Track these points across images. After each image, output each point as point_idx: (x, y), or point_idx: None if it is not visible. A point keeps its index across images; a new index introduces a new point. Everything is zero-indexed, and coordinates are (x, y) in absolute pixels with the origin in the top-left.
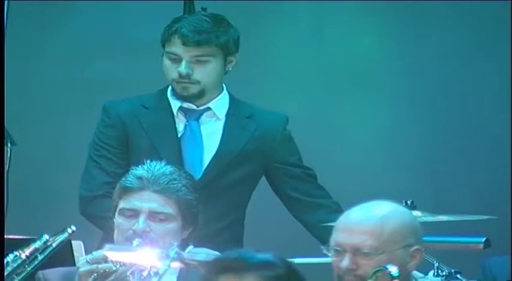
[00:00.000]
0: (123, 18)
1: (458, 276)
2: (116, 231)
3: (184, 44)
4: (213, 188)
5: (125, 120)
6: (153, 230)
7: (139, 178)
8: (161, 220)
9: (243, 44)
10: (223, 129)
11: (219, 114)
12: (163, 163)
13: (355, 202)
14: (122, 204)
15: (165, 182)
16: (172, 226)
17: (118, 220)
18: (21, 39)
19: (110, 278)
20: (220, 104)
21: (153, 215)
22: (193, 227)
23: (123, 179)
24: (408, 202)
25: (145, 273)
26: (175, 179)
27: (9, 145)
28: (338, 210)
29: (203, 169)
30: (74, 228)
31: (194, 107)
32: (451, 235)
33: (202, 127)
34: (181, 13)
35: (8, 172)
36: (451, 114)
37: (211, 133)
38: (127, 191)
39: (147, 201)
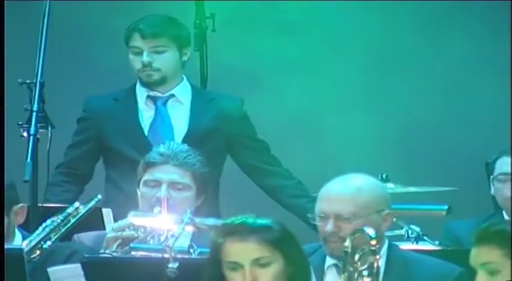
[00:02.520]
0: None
1: (425, 238)
2: (140, 200)
3: (142, 37)
4: None
5: (97, 112)
6: (173, 198)
7: (162, 154)
8: (179, 189)
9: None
10: (190, 112)
11: (183, 100)
12: (180, 142)
13: (340, 173)
14: (146, 176)
15: (183, 158)
16: (189, 194)
17: (142, 189)
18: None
19: (133, 243)
20: (182, 91)
21: (173, 185)
22: (205, 196)
23: (147, 155)
24: (383, 176)
25: (163, 237)
26: (191, 155)
27: (49, 128)
28: (290, 177)
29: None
30: (99, 196)
31: (160, 94)
32: (420, 203)
33: (170, 112)
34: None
35: (48, 151)
36: (424, 95)
37: (179, 117)
38: (150, 165)
39: (168, 173)
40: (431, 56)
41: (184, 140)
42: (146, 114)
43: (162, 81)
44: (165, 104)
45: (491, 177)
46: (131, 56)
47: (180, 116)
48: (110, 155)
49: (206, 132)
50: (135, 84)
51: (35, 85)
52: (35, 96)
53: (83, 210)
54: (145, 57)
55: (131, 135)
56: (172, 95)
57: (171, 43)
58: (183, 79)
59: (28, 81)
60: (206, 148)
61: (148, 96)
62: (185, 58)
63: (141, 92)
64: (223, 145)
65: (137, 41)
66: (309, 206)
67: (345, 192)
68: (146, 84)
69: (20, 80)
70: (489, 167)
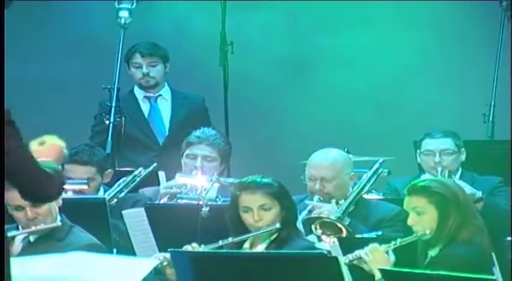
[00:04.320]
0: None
1: (373, 191)
2: (183, 166)
3: (142, 56)
4: (175, 139)
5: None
6: (205, 166)
7: (198, 137)
8: (209, 161)
9: None
10: (171, 105)
11: (167, 98)
12: (210, 128)
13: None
14: (187, 151)
15: (212, 139)
16: (215, 164)
17: (185, 160)
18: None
19: (178, 195)
20: (166, 92)
21: (205, 157)
22: (225, 165)
23: (188, 137)
24: (346, 149)
25: (198, 191)
26: (218, 138)
27: (123, 118)
28: None
29: (167, 130)
30: (155, 164)
31: (152, 94)
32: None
33: (159, 106)
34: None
35: (123, 134)
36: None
37: (165, 109)
38: (190, 144)
39: (202, 150)
40: None
41: (170, 123)
42: (144, 107)
43: (155, 85)
44: (156, 100)
45: (418, 151)
46: (133, 70)
47: (166, 108)
48: (122, 137)
49: (184, 119)
50: (133, 89)
51: (113, 89)
52: (113, 96)
53: (143, 173)
54: (144, 69)
55: (137, 121)
56: (160, 95)
57: (160, 59)
58: (165, 84)
59: (109, 86)
60: (185, 129)
61: (144, 96)
62: (167, 70)
63: (139, 94)
64: (190, 127)
65: (138, 59)
66: None
67: (327, 161)
68: (143, 88)
69: (103, 86)
70: (416, 144)
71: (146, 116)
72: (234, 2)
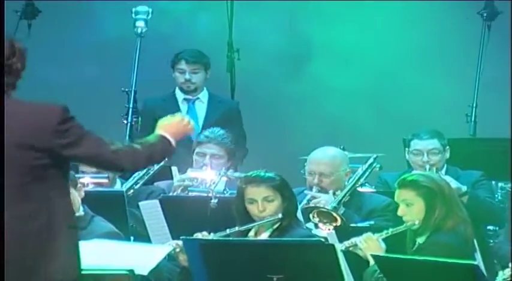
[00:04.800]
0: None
1: (366, 184)
2: (194, 162)
3: (187, 63)
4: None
5: (152, 107)
6: (213, 162)
7: (207, 136)
8: (217, 158)
9: None
10: (207, 108)
11: (204, 101)
12: (219, 128)
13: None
14: (197, 149)
15: (220, 139)
16: (223, 161)
17: (195, 157)
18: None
19: (190, 187)
20: (204, 95)
21: (213, 155)
22: (231, 162)
23: (197, 136)
24: (342, 147)
25: (208, 184)
26: (225, 138)
27: (139, 118)
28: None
29: (200, 129)
30: (166, 159)
31: (191, 97)
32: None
33: (196, 107)
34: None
35: (139, 131)
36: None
37: (201, 110)
38: (200, 142)
39: (210, 149)
40: None
41: (203, 125)
42: (182, 108)
43: (194, 90)
44: (193, 103)
45: (407, 149)
46: (176, 74)
47: (201, 110)
48: None
49: (217, 120)
50: (174, 91)
51: (131, 92)
52: (130, 99)
53: (157, 167)
54: (187, 76)
55: None
56: (198, 98)
57: (202, 67)
58: (204, 88)
59: (127, 89)
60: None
61: (184, 99)
62: (208, 76)
63: (179, 96)
64: (223, 127)
65: (183, 65)
66: None
67: (325, 158)
68: (184, 92)
69: (122, 89)
70: (405, 142)
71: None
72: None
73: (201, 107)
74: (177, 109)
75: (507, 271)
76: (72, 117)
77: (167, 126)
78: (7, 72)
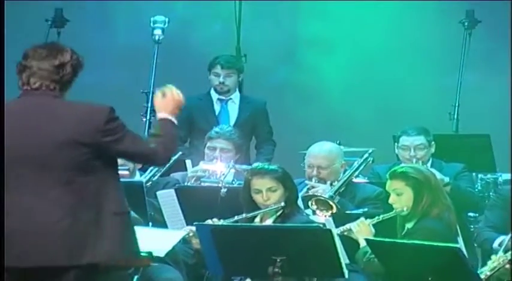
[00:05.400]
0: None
1: (360, 175)
2: (205, 156)
3: (222, 67)
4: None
5: (190, 106)
6: (222, 156)
7: (217, 132)
8: (225, 152)
9: None
10: (238, 108)
11: (236, 101)
12: (227, 125)
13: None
14: (208, 144)
15: (229, 134)
16: (231, 154)
17: (206, 151)
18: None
19: (202, 178)
20: (236, 96)
21: (222, 149)
22: (239, 155)
23: (209, 133)
24: (338, 141)
25: (218, 175)
26: (233, 133)
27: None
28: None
29: (232, 126)
30: (180, 152)
31: (224, 98)
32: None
33: (228, 107)
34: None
35: None
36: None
37: (233, 110)
38: (210, 138)
39: (220, 143)
40: None
41: (235, 123)
42: (216, 108)
43: (227, 92)
44: (226, 103)
45: (396, 144)
46: (212, 77)
47: (233, 110)
48: (195, 128)
49: (246, 119)
50: (209, 91)
51: (149, 93)
52: (149, 99)
53: (171, 160)
54: (221, 79)
55: (209, 118)
56: (231, 99)
57: (235, 71)
58: (236, 90)
59: (146, 91)
60: (247, 126)
61: (218, 99)
62: (240, 79)
63: (214, 96)
64: (254, 126)
65: (218, 69)
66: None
67: (322, 152)
68: (218, 93)
69: (141, 90)
70: (395, 138)
71: (217, 114)
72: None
73: (233, 107)
74: (211, 108)
75: (497, 258)
76: (117, 117)
77: (166, 106)
78: (62, 77)
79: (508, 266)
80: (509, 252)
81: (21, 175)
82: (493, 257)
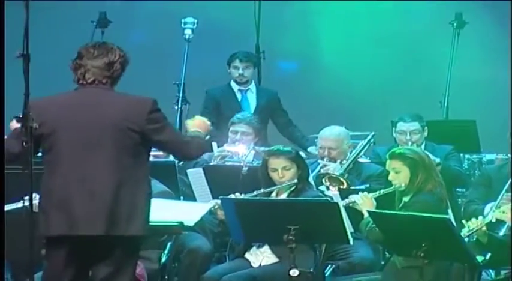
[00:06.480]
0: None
1: (363, 155)
2: (229, 139)
3: (240, 61)
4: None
5: (213, 96)
6: (243, 139)
7: (238, 118)
8: (246, 135)
9: None
10: (256, 97)
11: (253, 91)
12: (248, 112)
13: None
14: (231, 128)
15: (249, 120)
16: (251, 137)
17: (230, 134)
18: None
19: (226, 158)
20: (253, 86)
21: (243, 133)
22: (258, 138)
23: (232, 118)
24: (344, 126)
25: (240, 155)
26: (253, 119)
27: (188, 105)
28: (293, 125)
29: (252, 112)
30: (209, 136)
31: (243, 88)
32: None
33: (248, 96)
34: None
35: (187, 117)
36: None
37: (252, 99)
38: (233, 123)
39: (241, 127)
40: None
41: (254, 110)
42: (238, 97)
43: (246, 82)
44: (246, 92)
45: (394, 128)
46: (232, 70)
47: (252, 98)
48: (221, 115)
49: (264, 106)
50: (229, 83)
51: (181, 84)
52: (180, 90)
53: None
54: (240, 71)
55: (232, 106)
56: (249, 89)
57: (252, 64)
58: (252, 81)
59: (177, 82)
60: (265, 113)
61: (238, 89)
62: (256, 71)
63: (234, 87)
64: (272, 112)
65: (237, 63)
66: (302, 140)
67: (332, 135)
68: (238, 84)
69: (173, 82)
70: (393, 123)
71: (239, 102)
72: None
73: (252, 96)
74: (234, 97)
75: (471, 223)
76: (159, 109)
77: (200, 125)
78: (113, 73)
79: (484, 228)
80: (487, 217)
81: (78, 152)
82: (473, 220)
